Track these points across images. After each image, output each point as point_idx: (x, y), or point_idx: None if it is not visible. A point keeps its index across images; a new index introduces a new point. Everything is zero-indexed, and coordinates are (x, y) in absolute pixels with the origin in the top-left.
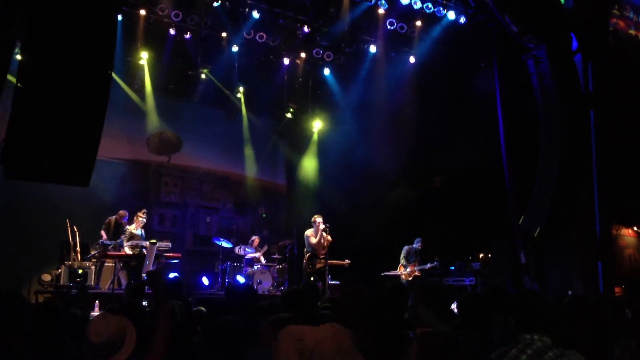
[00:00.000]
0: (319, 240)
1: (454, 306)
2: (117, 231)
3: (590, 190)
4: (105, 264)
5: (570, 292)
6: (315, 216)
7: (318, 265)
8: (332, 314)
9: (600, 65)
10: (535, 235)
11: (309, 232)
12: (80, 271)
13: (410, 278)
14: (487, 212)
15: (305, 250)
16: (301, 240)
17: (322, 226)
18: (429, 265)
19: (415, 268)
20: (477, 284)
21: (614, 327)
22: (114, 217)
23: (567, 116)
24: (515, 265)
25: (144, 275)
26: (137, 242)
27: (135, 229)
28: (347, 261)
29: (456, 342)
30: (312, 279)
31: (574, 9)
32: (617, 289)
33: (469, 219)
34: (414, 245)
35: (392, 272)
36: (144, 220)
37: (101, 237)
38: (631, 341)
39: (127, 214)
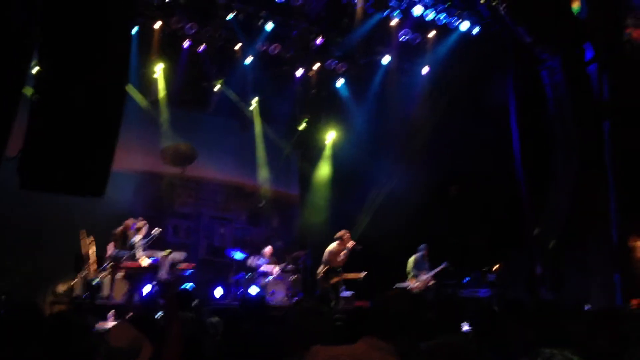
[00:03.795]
0: (344, 259)
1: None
2: (124, 241)
3: (607, 201)
4: (117, 275)
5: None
6: (344, 232)
7: (334, 280)
8: (371, 324)
9: (616, 75)
10: (550, 247)
11: (333, 248)
12: (95, 281)
13: (424, 288)
14: (503, 222)
15: (322, 262)
16: (314, 250)
17: (350, 243)
18: (439, 268)
19: (427, 275)
20: (493, 296)
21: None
22: (120, 227)
23: (582, 126)
24: (531, 276)
25: (153, 285)
26: (152, 252)
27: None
28: (364, 273)
29: (465, 353)
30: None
31: (588, 19)
32: (634, 301)
33: (484, 228)
34: (419, 253)
35: (404, 284)
36: (144, 227)
37: (107, 250)
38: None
39: (132, 222)
